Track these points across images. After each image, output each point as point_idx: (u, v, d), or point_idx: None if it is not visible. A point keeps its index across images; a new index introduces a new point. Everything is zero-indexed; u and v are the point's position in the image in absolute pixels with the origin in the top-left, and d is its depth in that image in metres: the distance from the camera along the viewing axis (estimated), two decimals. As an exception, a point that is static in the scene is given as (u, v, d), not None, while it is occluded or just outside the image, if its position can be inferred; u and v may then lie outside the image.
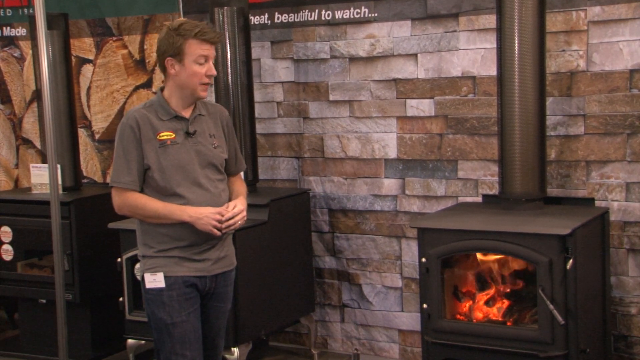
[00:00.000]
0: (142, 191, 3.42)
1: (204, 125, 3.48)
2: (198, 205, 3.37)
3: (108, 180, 5.74)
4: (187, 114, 3.45)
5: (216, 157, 3.48)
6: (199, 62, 3.36)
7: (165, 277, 3.39)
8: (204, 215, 3.34)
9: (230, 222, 3.38)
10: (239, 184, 3.66)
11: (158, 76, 5.52)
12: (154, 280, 3.40)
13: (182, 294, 3.39)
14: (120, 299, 4.74)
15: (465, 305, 4.10)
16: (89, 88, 5.79)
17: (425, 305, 3.99)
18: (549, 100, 4.30)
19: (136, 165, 3.39)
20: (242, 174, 3.74)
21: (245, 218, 3.47)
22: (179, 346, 3.39)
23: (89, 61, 5.77)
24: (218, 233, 3.37)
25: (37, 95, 5.84)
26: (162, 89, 3.47)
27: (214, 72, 3.41)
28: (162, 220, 3.38)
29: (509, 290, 4.09)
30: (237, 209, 3.41)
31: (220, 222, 3.35)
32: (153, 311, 3.44)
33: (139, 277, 3.51)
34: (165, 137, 3.38)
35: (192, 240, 3.39)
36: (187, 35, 3.34)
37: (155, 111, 3.42)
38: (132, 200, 3.41)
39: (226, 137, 3.57)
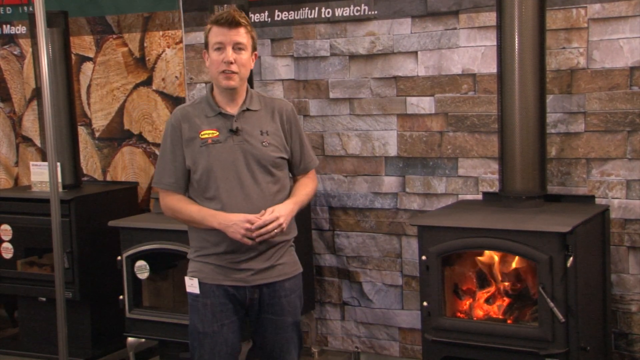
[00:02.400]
0: (186, 193, 3.30)
1: (255, 122, 3.29)
2: (234, 211, 3.19)
3: (108, 178, 5.77)
4: (232, 109, 3.28)
5: (265, 156, 3.27)
6: (215, 49, 3.22)
7: (200, 284, 3.27)
8: (232, 222, 3.16)
9: (262, 230, 3.16)
10: (301, 185, 3.43)
11: (158, 74, 5.52)
12: (191, 285, 3.30)
13: (218, 304, 3.26)
14: (121, 297, 4.74)
15: (466, 303, 4.10)
16: (89, 86, 5.79)
17: (425, 303, 3.99)
18: (549, 98, 4.30)
19: (179, 165, 3.24)
20: (313, 171, 3.51)
21: (284, 226, 3.23)
22: (207, 357, 3.29)
23: (89, 59, 5.76)
24: (249, 242, 3.18)
25: (37, 93, 5.84)
26: (212, 85, 3.34)
27: (229, 58, 3.19)
28: (197, 225, 3.26)
29: (509, 288, 4.08)
30: (271, 215, 3.18)
31: (250, 230, 3.16)
32: (190, 315, 3.35)
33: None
34: (207, 136, 3.23)
35: (229, 247, 3.23)
36: (210, 24, 3.26)
37: (202, 108, 3.28)
38: (171, 203, 3.29)
39: (286, 134, 3.36)
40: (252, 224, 3.16)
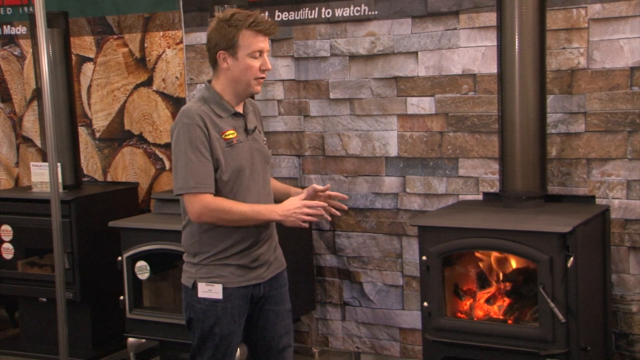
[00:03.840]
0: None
1: (254, 121, 3.34)
2: None
3: (108, 178, 5.76)
4: (240, 109, 3.29)
5: (269, 154, 3.37)
6: (253, 56, 3.18)
7: (224, 289, 3.24)
8: (291, 211, 3.16)
9: (313, 211, 3.19)
10: (275, 181, 3.55)
11: (158, 74, 5.52)
12: (210, 291, 3.24)
13: (236, 306, 3.27)
14: (121, 297, 4.74)
15: (466, 303, 4.10)
16: (89, 86, 5.79)
17: (426, 304, 3.99)
18: (550, 98, 4.30)
19: (211, 166, 3.17)
20: None
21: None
22: (220, 355, 3.30)
23: (89, 59, 5.76)
24: (306, 225, 3.21)
25: (38, 93, 5.83)
26: (209, 82, 3.28)
27: (269, 67, 3.21)
28: (247, 222, 3.20)
29: (509, 288, 4.08)
30: (315, 202, 3.21)
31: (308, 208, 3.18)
32: (202, 320, 3.28)
33: (187, 284, 3.35)
34: (230, 136, 3.21)
35: (250, 242, 3.25)
36: (241, 26, 3.15)
37: (213, 109, 3.23)
38: (214, 205, 3.16)
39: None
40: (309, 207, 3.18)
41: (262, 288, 3.34)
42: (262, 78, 3.24)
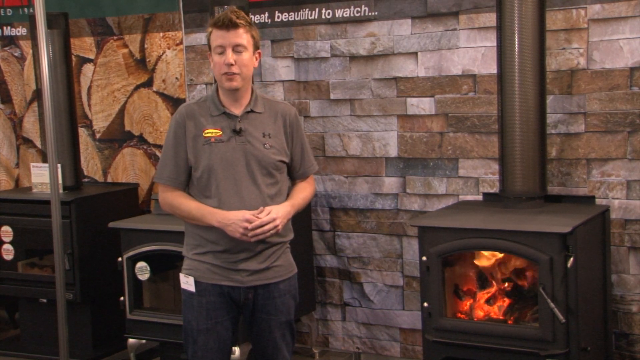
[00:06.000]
0: (187, 189, 3.35)
1: (258, 123, 3.33)
2: (231, 210, 3.23)
3: (108, 179, 5.77)
4: (237, 110, 3.32)
5: (266, 158, 3.30)
6: (217, 52, 3.25)
7: (196, 283, 3.32)
8: (232, 221, 3.20)
9: (258, 231, 3.21)
10: (299, 189, 3.46)
11: (158, 75, 5.52)
12: (186, 283, 3.34)
13: (212, 302, 3.31)
14: (121, 298, 4.74)
15: (466, 303, 4.10)
16: (89, 87, 5.79)
17: (426, 304, 3.99)
18: (550, 98, 4.30)
19: (181, 161, 3.30)
20: (312, 175, 3.54)
21: (280, 228, 3.26)
22: (200, 353, 3.34)
23: (89, 60, 5.77)
24: (249, 239, 3.23)
25: (38, 94, 5.84)
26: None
27: (229, 61, 3.22)
28: (195, 221, 3.30)
29: (509, 288, 4.08)
30: (268, 216, 3.22)
31: (248, 229, 3.20)
32: (184, 312, 3.40)
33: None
34: (210, 135, 3.28)
35: (226, 246, 3.27)
36: (210, 26, 3.30)
37: (207, 107, 3.32)
38: (170, 198, 3.34)
39: (287, 138, 3.39)
40: (251, 223, 3.21)
41: (243, 293, 3.33)
42: (230, 74, 3.25)
